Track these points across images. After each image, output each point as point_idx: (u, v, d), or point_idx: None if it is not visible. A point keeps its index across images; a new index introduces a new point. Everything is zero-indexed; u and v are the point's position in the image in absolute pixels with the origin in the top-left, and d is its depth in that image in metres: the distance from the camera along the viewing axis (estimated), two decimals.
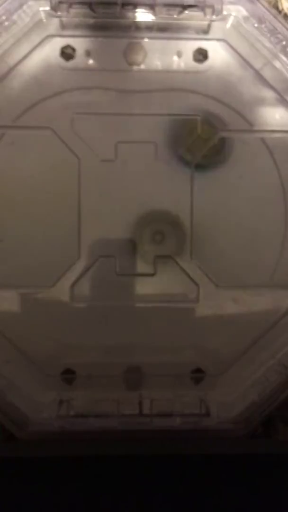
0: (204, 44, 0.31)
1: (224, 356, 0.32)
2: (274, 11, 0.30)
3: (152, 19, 0.30)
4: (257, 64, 0.31)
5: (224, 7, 0.30)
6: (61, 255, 0.31)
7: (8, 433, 0.30)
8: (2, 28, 0.29)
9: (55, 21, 0.30)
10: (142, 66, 0.31)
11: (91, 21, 0.30)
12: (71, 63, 0.31)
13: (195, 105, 0.31)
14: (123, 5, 0.29)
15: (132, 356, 0.31)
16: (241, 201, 0.31)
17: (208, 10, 0.30)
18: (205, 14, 0.30)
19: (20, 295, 0.31)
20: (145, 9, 0.30)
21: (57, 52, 0.30)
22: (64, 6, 0.29)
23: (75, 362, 0.31)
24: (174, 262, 0.31)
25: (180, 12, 0.30)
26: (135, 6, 0.30)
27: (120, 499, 0.30)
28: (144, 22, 0.30)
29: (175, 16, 0.30)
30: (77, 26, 0.30)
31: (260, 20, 0.30)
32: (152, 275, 0.31)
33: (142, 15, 0.30)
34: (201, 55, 0.31)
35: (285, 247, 0.31)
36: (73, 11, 0.30)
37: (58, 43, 0.30)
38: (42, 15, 0.30)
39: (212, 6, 0.29)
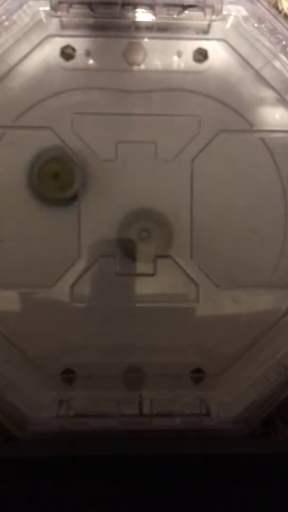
0: (204, 44, 0.31)
1: (224, 356, 0.32)
2: (274, 11, 0.30)
3: (152, 19, 0.30)
4: (257, 64, 0.31)
5: (224, 7, 0.30)
6: (61, 255, 0.31)
7: (8, 433, 0.30)
8: (2, 28, 0.29)
9: (55, 21, 0.30)
10: (142, 66, 0.31)
11: (91, 21, 0.30)
12: (71, 63, 0.31)
13: (195, 105, 0.31)
14: (123, 5, 0.29)
15: (132, 356, 0.31)
16: (241, 201, 0.31)
17: (208, 10, 0.30)
18: (205, 14, 0.30)
19: (20, 295, 0.31)
20: (145, 9, 0.30)
21: (57, 52, 0.30)
22: (64, 6, 0.29)
23: (75, 362, 0.31)
24: (174, 262, 0.31)
25: (180, 12, 0.30)
26: (135, 6, 0.30)
27: (120, 499, 0.30)
28: (144, 22, 0.30)
29: (175, 16, 0.30)
30: (77, 26, 0.30)
31: (260, 20, 0.30)
32: (152, 275, 0.31)
33: (142, 15, 0.30)
34: (201, 55, 0.31)
35: (285, 247, 0.31)
36: (73, 11, 0.30)
37: (58, 43, 0.31)
38: (42, 15, 0.30)
39: (212, 6, 0.29)
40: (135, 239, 0.31)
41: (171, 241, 0.31)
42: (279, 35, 0.30)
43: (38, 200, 0.31)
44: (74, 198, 0.31)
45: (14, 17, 0.29)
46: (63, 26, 0.30)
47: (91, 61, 0.31)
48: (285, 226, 0.31)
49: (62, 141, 0.30)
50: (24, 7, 0.30)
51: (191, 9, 0.30)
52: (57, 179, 0.30)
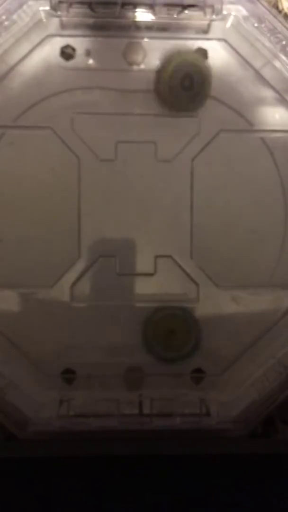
0: (204, 44, 0.31)
1: (224, 356, 0.32)
2: (274, 11, 0.30)
3: (152, 19, 0.30)
4: (257, 64, 0.31)
5: (224, 6, 0.30)
6: (61, 255, 0.31)
7: (8, 433, 0.30)
8: (2, 28, 0.29)
9: (55, 21, 0.30)
10: (142, 66, 0.31)
11: (91, 21, 0.30)
12: (71, 63, 0.31)
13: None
14: (123, 5, 0.29)
15: (132, 356, 0.31)
16: (241, 201, 0.31)
17: (208, 10, 0.30)
18: (205, 14, 0.30)
19: (20, 295, 0.31)
20: (145, 9, 0.30)
21: (57, 52, 0.30)
22: (64, 6, 0.29)
23: (75, 362, 0.31)
24: (174, 262, 0.31)
25: (180, 12, 0.30)
26: (135, 6, 0.30)
27: (120, 499, 0.30)
28: (144, 22, 0.30)
29: (175, 16, 0.30)
30: (77, 26, 0.30)
31: (260, 20, 0.30)
32: (152, 275, 0.31)
33: (142, 15, 0.30)
34: (201, 55, 0.31)
35: (285, 247, 0.31)
36: (73, 11, 0.30)
37: (58, 43, 0.30)
38: (42, 15, 0.30)
39: (212, 6, 0.29)
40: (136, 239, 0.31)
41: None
42: (279, 35, 0.30)
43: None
44: None
45: (14, 17, 0.29)
46: (63, 26, 0.30)
47: (91, 61, 0.31)
48: (285, 226, 0.31)
49: (62, 141, 0.30)
50: (24, 7, 0.29)
51: (191, 8, 0.30)
52: None
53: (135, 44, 0.31)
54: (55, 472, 0.30)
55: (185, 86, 0.30)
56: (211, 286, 0.31)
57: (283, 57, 0.30)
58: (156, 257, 0.31)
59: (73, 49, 0.31)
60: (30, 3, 0.29)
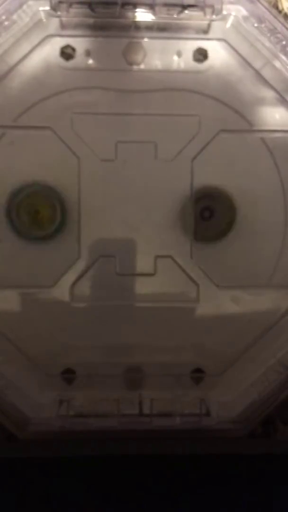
0: (204, 44, 0.31)
1: (224, 356, 0.32)
2: (274, 11, 0.30)
3: (152, 19, 0.30)
4: (257, 64, 0.31)
5: (224, 6, 0.30)
6: (61, 255, 0.31)
7: (8, 433, 0.30)
8: (2, 28, 0.29)
9: (55, 21, 0.30)
10: (142, 66, 0.31)
11: (91, 21, 0.30)
12: (71, 63, 0.31)
13: (195, 105, 0.31)
14: (123, 5, 0.29)
15: (132, 356, 0.31)
16: (241, 201, 0.31)
17: (208, 10, 0.30)
18: (205, 14, 0.30)
19: (20, 295, 0.31)
20: (145, 9, 0.30)
21: (57, 52, 0.30)
22: (64, 6, 0.29)
23: (75, 362, 0.31)
24: (174, 262, 0.31)
25: (180, 12, 0.30)
26: (135, 6, 0.30)
27: (120, 499, 0.30)
28: (144, 22, 0.30)
29: (175, 16, 0.30)
30: (77, 26, 0.30)
31: (260, 20, 0.30)
32: (152, 275, 0.31)
33: (142, 15, 0.30)
34: (201, 55, 0.31)
35: (285, 248, 0.31)
36: (73, 11, 0.30)
37: (58, 43, 0.30)
38: (42, 15, 0.30)
39: (212, 6, 0.29)
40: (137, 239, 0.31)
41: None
42: (279, 35, 0.30)
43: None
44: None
45: (14, 17, 0.29)
46: (63, 26, 0.30)
47: (91, 61, 0.31)
48: (285, 226, 0.31)
49: (62, 141, 0.30)
50: (24, 7, 0.29)
51: (191, 9, 0.30)
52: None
53: (135, 44, 0.31)
54: (55, 472, 0.30)
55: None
56: (211, 286, 0.31)
57: (283, 57, 0.30)
58: (156, 257, 0.31)
59: (73, 49, 0.31)
60: (30, 3, 0.29)
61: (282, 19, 0.30)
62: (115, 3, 0.29)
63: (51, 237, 0.31)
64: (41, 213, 0.30)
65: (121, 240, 0.31)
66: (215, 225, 0.31)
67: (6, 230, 0.30)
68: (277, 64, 0.31)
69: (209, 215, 0.31)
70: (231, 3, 0.30)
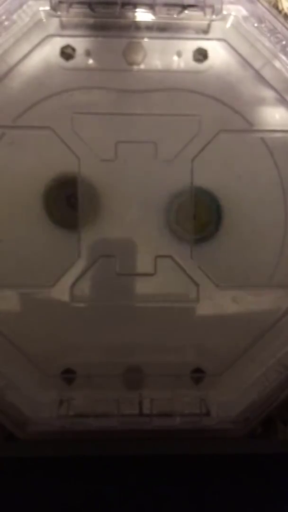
0: (204, 44, 0.31)
1: (224, 356, 0.32)
2: (274, 11, 0.30)
3: (152, 19, 0.30)
4: (257, 64, 0.31)
5: (224, 6, 0.30)
6: (61, 255, 0.31)
7: (8, 433, 0.30)
8: (2, 28, 0.29)
9: (55, 21, 0.30)
10: (142, 66, 0.31)
11: (91, 21, 0.30)
12: (71, 63, 0.31)
13: (195, 105, 0.31)
14: (123, 4, 0.29)
15: (132, 356, 0.31)
16: (241, 201, 0.31)
17: (208, 10, 0.30)
18: (205, 14, 0.30)
19: (20, 295, 0.31)
20: (145, 8, 0.30)
21: (57, 52, 0.30)
22: (64, 6, 0.29)
23: (75, 362, 0.31)
24: (174, 262, 0.31)
25: (180, 12, 0.30)
26: (135, 5, 0.30)
27: (120, 499, 0.30)
28: (144, 22, 0.30)
29: (175, 16, 0.30)
30: (77, 26, 0.30)
31: (260, 20, 0.30)
32: (152, 275, 0.31)
33: (142, 15, 0.30)
34: (201, 55, 0.31)
35: (285, 248, 0.31)
36: (73, 11, 0.30)
37: (58, 43, 0.30)
38: (42, 15, 0.30)
39: (212, 6, 0.29)
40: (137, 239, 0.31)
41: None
42: (279, 35, 0.30)
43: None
44: None
45: (14, 17, 0.29)
46: (63, 26, 0.30)
47: (91, 61, 0.31)
48: (285, 226, 0.31)
49: (62, 141, 0.30)
50: (24, 7, 0.29)
51: (191, 9, 0.30)
52: None
53: (135, 44, 0.31)
54: (55, 472, 0.30)
55: None
56: (211, 286, 0.31)
57: (283, 57, 0.30)
58: (156, 257, 0.31)
59: (73, 49, 0.31)
60: (30, 3, 0.30)
61: (282, 19, 0.30)
62: (115, 3, 0.29)
63: None
64: None
65: (121, 240, 0.31)
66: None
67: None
68: (277, 64, 0.31)
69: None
70: (231, 3, 0.30)
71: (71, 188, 0.30)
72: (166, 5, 0.29)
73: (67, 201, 0.31)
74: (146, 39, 0.31)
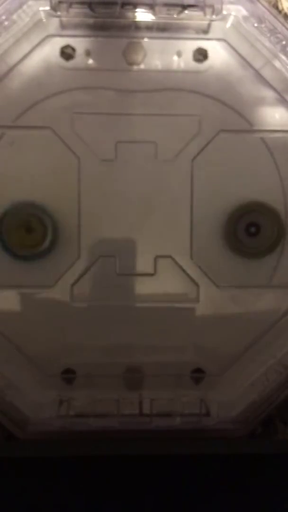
0: (204, 44, 0.31)
1: (224, 356, 0.32)
2: (274, 11, 0.30)
3: (152, 19, 0.30)
4: (257, 64, 0.31)
5: (224, 6, 0.30)
6: (61, 255, 0.31)
7: (8, 433, 0.30)
8: (2, 28, 0.29)
9: (55, 21, 0.30)
10: (142, 66, 0.31)
11: (91, 21, 0.30)
12: (71, 63, 0.31)
13: (195, 105, 0.31)
14: (123, 5, 0.29)
15: (132, 356, 0.31)
16: (241, 201, 0.31)
17: (208, 10, 0.30)
18: (205, 14, 0.30)
19: (20, 295, 0.31)
20: (145, 9, 0.30)
21: (57, 52, 0.30)
22: (64, 6, 0.29)
23: (75, 362, 0.31)
24: (174, 262, 0.31)
25: (180, 12, 0.30)
26: (135, 6, 0.30)
27: (120, 499, 0.30)
28: (144, 22, 0.30)
29: (175, 16, 0.30)
30: (77, 26, 0.30)
31: (260, 20, 0.30)
32: (152, 275, 0.31)
33: (142, 15, 0.30)
34: (201, 55, 0.31)
35: (285, 248, 0.31)
36: (73, 11, 0.30)
37: (58, 43, 0.30)
38: (42, 15, 0.30)
39: (212, 6, 0.29)
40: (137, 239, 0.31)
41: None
42: (279, 35, 0.30)
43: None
44: None
45: (14, 17, 0.29)
46: (63, 26, 0.30)
47: (91, 61, 0.31)
48: (285, 226, 0.31)
49: (62, 141, 0.30)
50: (24, 7, 0.30)
51: (191, 9, 0.30)
52: None
53: (135, 44, 0.31)
54: (55, 472, 0.30)
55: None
56: (211, 286, 0.31)
57: (283, 57, 0.30)
58: (156, 257, 0.31)
59: (73, 49, 0.31)
60: (30, 3, 0.30)
61: (282, 19, 0.30)
62: (115, 3, 0.29)
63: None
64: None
65: (121, 240, 0.31)
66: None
67: None
68: (277, 64, 0.31)
69: None
70: (231, 3, 0.30)
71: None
72: (166, 5, 0.29)
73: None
74: (146, 39, 0.31)
